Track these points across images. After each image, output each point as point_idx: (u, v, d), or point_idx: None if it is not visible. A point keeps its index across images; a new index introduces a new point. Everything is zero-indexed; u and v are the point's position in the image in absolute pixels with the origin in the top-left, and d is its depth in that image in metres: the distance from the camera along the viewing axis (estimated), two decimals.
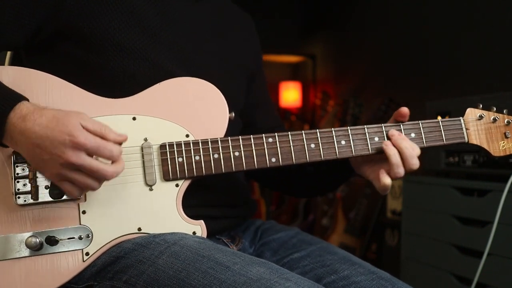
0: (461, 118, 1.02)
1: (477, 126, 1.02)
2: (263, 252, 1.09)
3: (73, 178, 0.81)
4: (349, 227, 3.29)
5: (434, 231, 1.91)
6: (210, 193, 1.01)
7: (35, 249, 0.86)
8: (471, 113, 1.03)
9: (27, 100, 0.84)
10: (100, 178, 0.82)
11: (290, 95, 4.38)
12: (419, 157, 0.97)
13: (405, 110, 1.00)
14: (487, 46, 2.42)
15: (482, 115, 1.02)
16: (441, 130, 1.01)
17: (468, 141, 1.02)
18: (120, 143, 0.83)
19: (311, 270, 1.00)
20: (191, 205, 0.94)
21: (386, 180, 0.96)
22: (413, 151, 0.95)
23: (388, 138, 0.98)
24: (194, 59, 1.02)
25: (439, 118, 1.03)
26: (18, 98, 0.83)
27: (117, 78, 0.94)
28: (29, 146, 0.80)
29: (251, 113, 1.20)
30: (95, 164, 0.80)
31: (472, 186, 1.75)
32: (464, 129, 1.01)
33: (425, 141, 1.00)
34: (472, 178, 1.81)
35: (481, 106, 1.04)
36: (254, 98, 1.21)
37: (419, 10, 2.96)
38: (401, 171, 0.95)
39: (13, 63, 1.06)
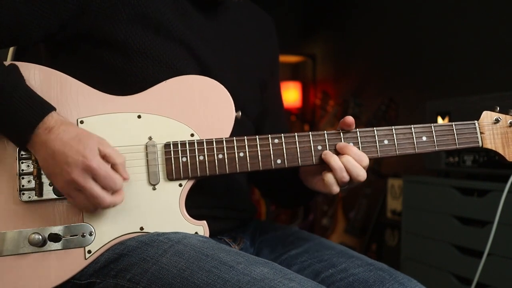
0: (475, 121, 0.99)
1: (492, 130, 0.99)
2: (261, 250, 1.10)
3: (73, 196, 0.84)
4: (349, 227, 3.30)
5: (434, 231, 1.91)
6: (212, 194, 1.01)
7: (38, 246, 0.87)
8: (487, 117, 0.99)
9: (55, 109, 0.86)
10: (97, 204, 0.84)
11: (290, 95, 4.38)
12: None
13: (350, 119, 0.94)
14: (487, 46, 2.42)
15: (499, 119, 0.99)
16: (454, 134, 0.97)
17: (482, 145, 0.98)
18: (124, 179, 0.86)
19: (309, 265, 1.00)
20: (193, 206, 0.94)
21: (327, 177, 0.91)
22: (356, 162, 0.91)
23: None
24: (210, 65, 1.02)
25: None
26: (48, 109, 0.85)
27: (139, 80, 0.95)
28: (46, 156, 0.83)
29: (260, 120, 1.20)
30: (96, 190, 0.82)
31: (472, 186, 1.75)
32: (478, 133, 0.98)
33: (437, 145, 0.96)
34: (472, 178, 1.81)
35: (498, 108, 1.00)
36: (264, 106, 1.20)
37: (419, 10, 2.96)
38: (345, 175, 0.91)
39: (15, 58, 1.06)
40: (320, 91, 4.11)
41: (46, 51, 1.03)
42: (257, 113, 1.16)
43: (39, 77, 0.90)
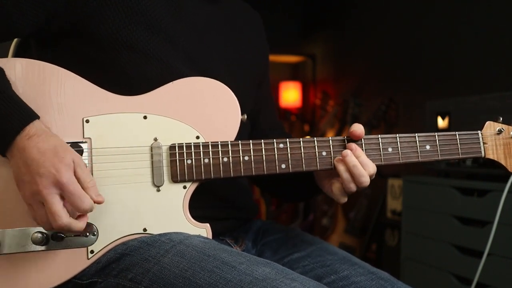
0: (479, 131, 0.99)
1: (495, 140, 0.99)
2: (263, 251, 1.09)
3: (35, 208, 0.81)
4: (349, 227, 3.30)
5: (434, 231, 1.91)
6: (214, 194, 1.01)
7: (41, 244, 0.86)
8: (490, 127, 1.00)
9: (38, 118, 0.84)
10: (52, 221, 0.80)
11: (290, 95, 4.38)
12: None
13: (358, 132, 0.93)
14: (487, 46, 2.42)
15: (502, 129, 0.99)
16: (457, 144, 0.97)
17: (485, 155, 0.99)
18: (95, 202, 0.83)
19: (311, 270, 1.00)
20: (196, 206, 0.94)
21: (336, 185, 0.94)
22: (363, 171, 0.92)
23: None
24: (203, 62, 1.02)
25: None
26: (30, 117, 0.83)
27: (126, 76, 0.94)
28: (19, 162, 0.81)
29: (255, 118, 1.19)
30: (56, 206, 0.79)
31: (472, 186, 1.76)
32: (481, 143, 0.98)
33: (440, 154, 0.96)
34: (472, 178, 1.81)
35: (501, 119, 1.00)
36: (259, 103, 1.20)
37: (419, 10, 2.96)
38: (352, 186, 0.92)
39: (17, 54, 1.06)
40: (320, 91, 4.11)
41: (35, 48, 1.01)
42: (250, 109, 1.15)
43: (43, 74, 0.90)
